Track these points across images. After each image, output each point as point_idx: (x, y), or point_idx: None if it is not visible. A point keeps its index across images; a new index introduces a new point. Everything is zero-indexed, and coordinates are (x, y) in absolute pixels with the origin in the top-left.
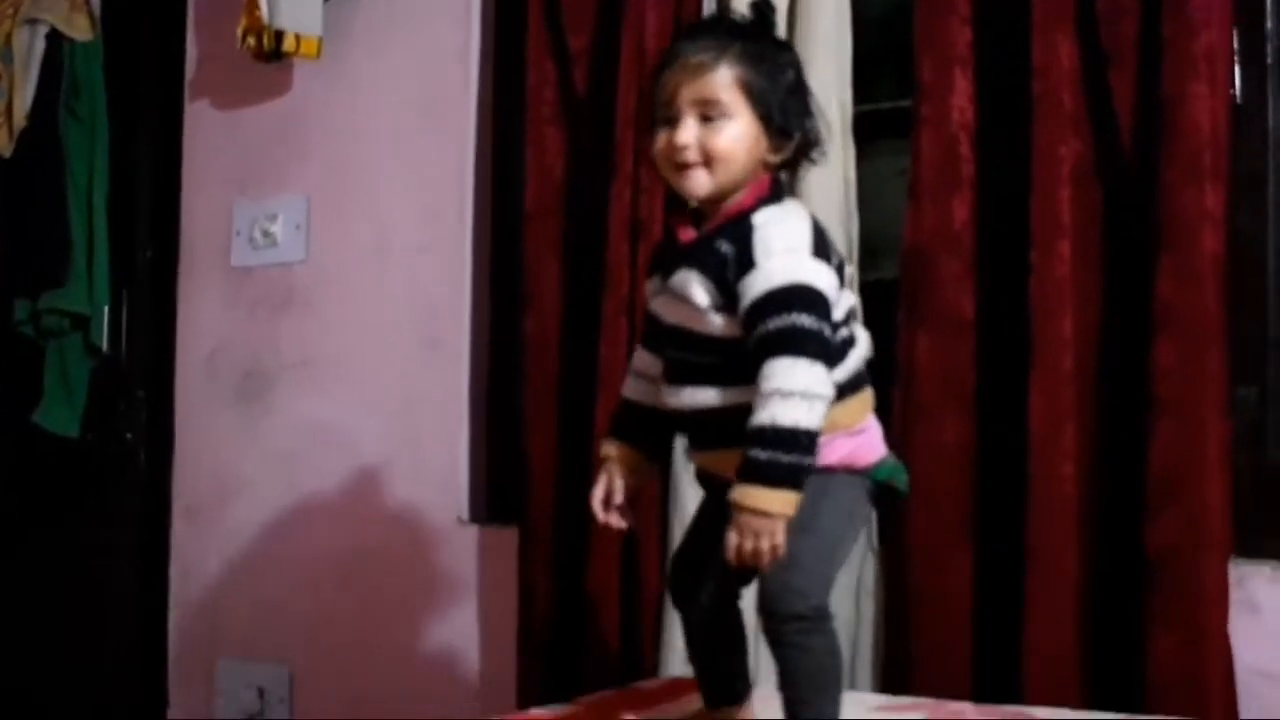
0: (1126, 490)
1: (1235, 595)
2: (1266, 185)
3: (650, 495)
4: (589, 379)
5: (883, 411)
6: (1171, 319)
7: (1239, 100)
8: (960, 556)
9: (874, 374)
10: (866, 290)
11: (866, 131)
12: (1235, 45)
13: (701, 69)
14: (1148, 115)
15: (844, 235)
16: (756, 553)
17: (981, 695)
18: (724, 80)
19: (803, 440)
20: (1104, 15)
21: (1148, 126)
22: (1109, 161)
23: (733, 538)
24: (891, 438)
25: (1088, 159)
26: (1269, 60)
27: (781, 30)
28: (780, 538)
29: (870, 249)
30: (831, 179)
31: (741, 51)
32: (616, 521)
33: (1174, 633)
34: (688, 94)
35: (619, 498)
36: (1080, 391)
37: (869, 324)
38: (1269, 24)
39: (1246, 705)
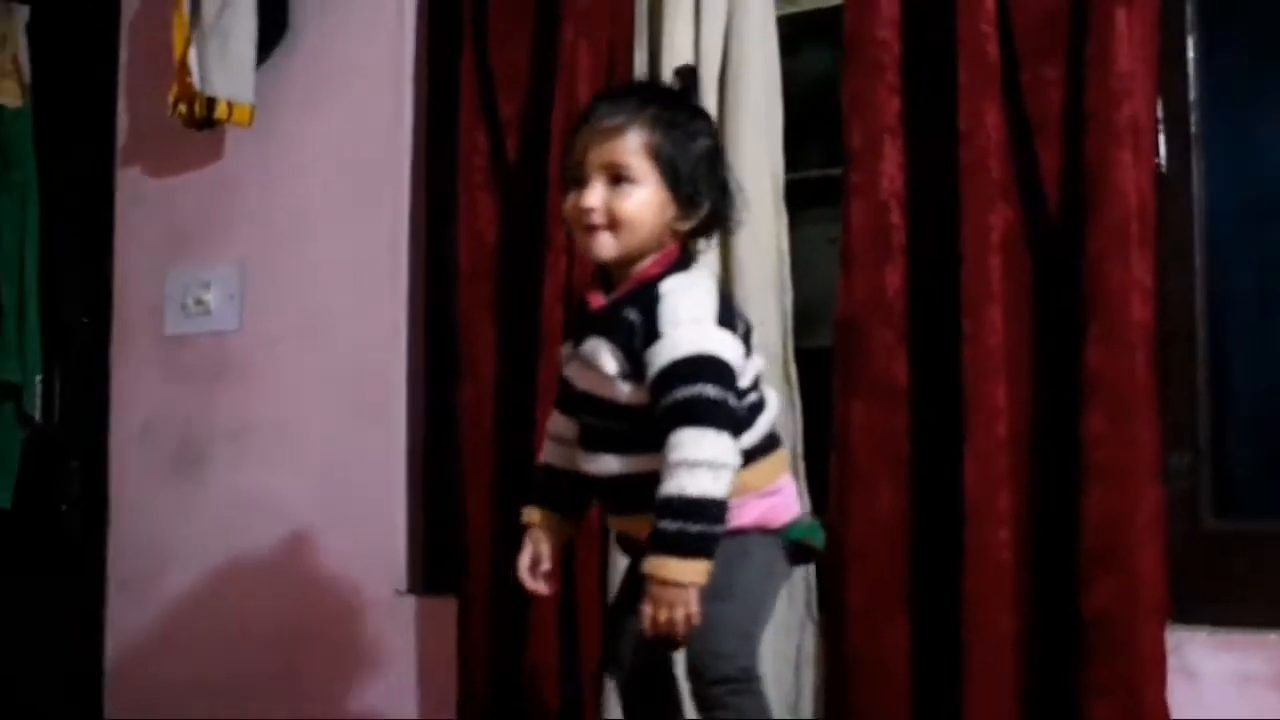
0: (1062, 555)
1: (1173, 662)
2: (1193, 253)
3: (588, 565)
4: (526, 445)
5: (819, 478)
6: (1102, 386)
7: (1164, 170)
8: (897, 622)
9: (807, 450)
10: (801, 358)
11: (798, 200)
12: (1159, 115)
13: (611, 133)
14: (1074, 184)
15: (778, 306)
16: (671, 623)
17: None
18: (632, 145)
19: (711, 510)
20: (1029, 85)
21: (1075, 195)
22: (1038, 229)
23: (648, 609)
24: (828, 504)
25: (1017, 227)
26: (1193, 129)
27: (712, 100)
28: (694, 606)
29: (804, 317)
30: (764, 249)
31: (653, 117)
32: (543, 588)
33: (1112, 699)
34: (596, 157)
35: (546, 564)
36: (1014, 458)
37: (805, 392)
38: (1192, 94)
39: None
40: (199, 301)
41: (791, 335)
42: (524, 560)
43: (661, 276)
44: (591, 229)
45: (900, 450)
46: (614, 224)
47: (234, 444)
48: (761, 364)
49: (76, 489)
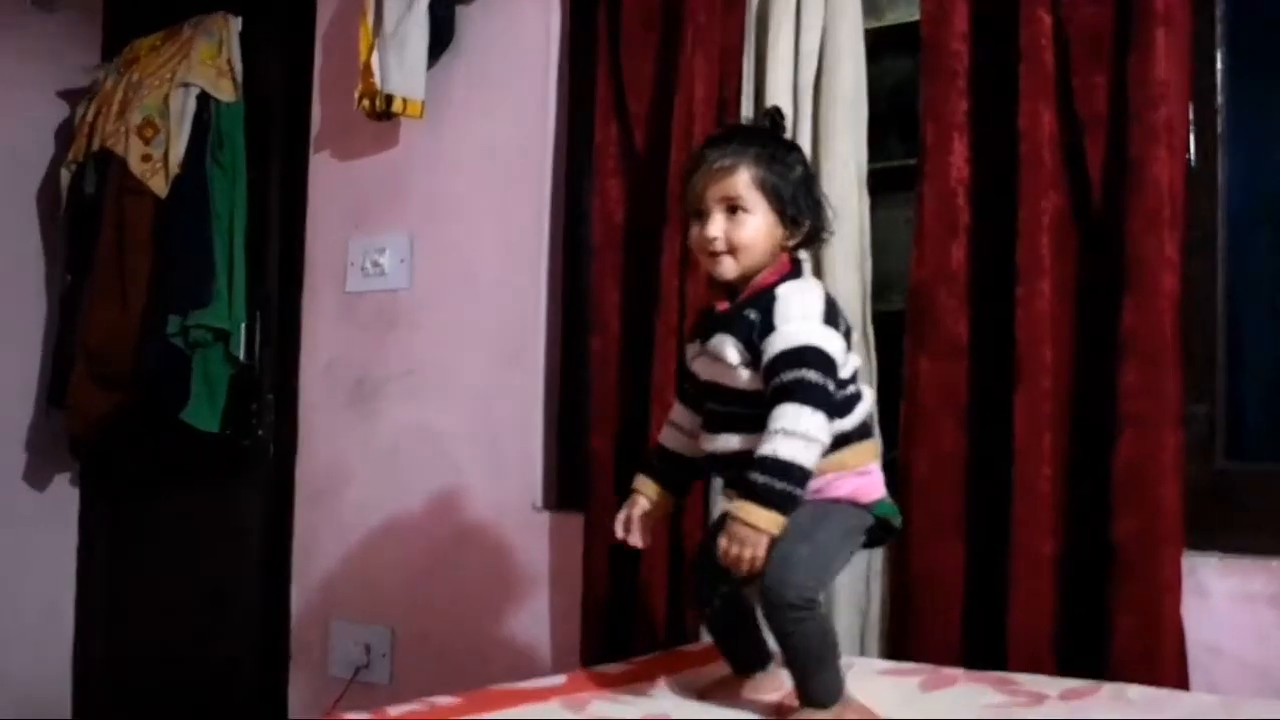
0: (1095, 491)
1: (1187, 582)
2: (1216, 235)
3: (695, 506)
4: (644, 390)
5: (891, 423)
6: (1135, 346)
7: (1194, 164)
8: (954, 546)
9: (883, 399)
10: (878, 320)
11: (878, 186)
12: (1191, 116)
13: (724, 172)
14: (1116, 174)
15: (859, 275)
16: (739, 558)
17: (971, 663)
18: (743, 180)
19: (796, 474)
20: (1079, 90)
21: (1116, 184)
22: (1083, 213)
23: (723, 542)
24: (897, 444)
25: (1065, 211)
26: (1219, 130)
27: (808, 101)
28: (762, 550)
29: (881, 285)
30: (849, 227)
31: (757, 155)
32: (634, 540)
33: (1134, 613)
34: (714, 193)
35: (635, 525)
36: (1057, 407)
37: (880, 348)
38: (1219, 99)
39: (1195, 677)
40: (375, 264)
41: (870, 300)
42: (620, 516)
43: (777, 283)
44: (715, 255)
45: (960, 399)
46: (733, 249)
47: (401, 383)
48: (859, 361)
49: (272, 418)
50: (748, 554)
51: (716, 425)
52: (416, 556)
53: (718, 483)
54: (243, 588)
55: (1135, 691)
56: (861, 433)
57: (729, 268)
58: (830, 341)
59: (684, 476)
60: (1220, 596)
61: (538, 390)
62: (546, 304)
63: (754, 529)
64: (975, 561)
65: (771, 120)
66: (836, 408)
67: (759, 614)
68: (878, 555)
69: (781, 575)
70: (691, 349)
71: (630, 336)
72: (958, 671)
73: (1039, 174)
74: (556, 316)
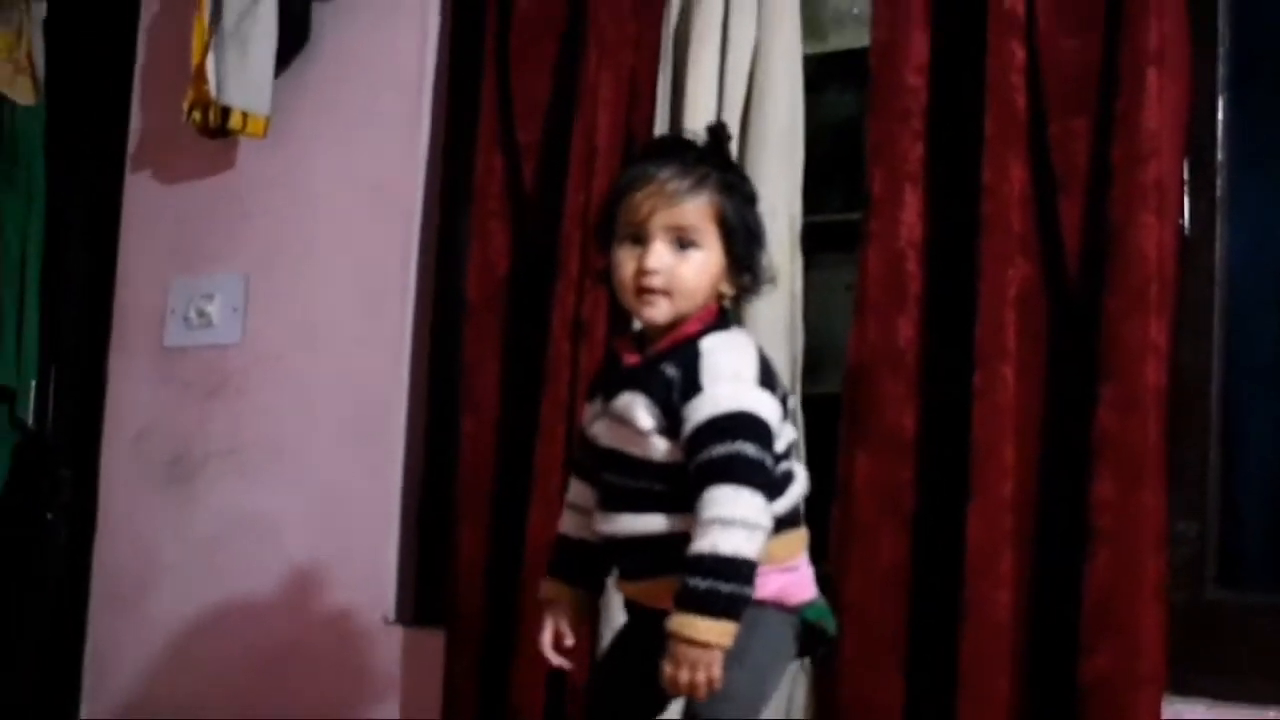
0: (1062, 620)
1: None
2: (1212, 318)
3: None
4: (524, 480)
5: (820, 527)
6: (1112, 450)
7: (1187, 231)
8: (890, 677)
9: (817, 498)
10: (809, 405)
11: (814, 243)
12: (1185, 175)
13: (680, 195)
14: (1095, 241)
15: (789, 351)
16: (693, 684)
17: None
18: (701, 209)
19: (743, 570)
20: (1055, 138)
21: (1095, 253)
22: (1055, 286)
23: (669, 668)
24: (826, 554)
25: (1034, 282)
26: (1218, 192)
27: (734, 140)
28: (717, 670)
29: (814, 362)
30: (779, 293)
31: (719, 182)
32: (567, 664)
33: None
34: (663, 218)
35: (569, 640)
36: (1019, 519)
37: (812, 438)
38: (1220, 155)
39: None
40: (201, 313)
41: (800, 381)
42: (546, 637)
43: (701, 334)
44: (650, 291)
45: (904, 504)
46: (671, 289)
47: (228, 461)
48: (795, 434)
49: (66, 497)
50: (701, 678)
51: (617, 502)
52: (242, 675)
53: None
54: (20, 708)
55: None
56: (791, 520)
57: (662, 310)
58: (766, 407)
59: (600, 568)
60: None
61: (395, 476)
62: (409, 371)
63: (705, 646)
64: (916, 697)
65: (714, 138)
66: (777, 484)
67: None
68: (800, 684)
69: (716, 713)
70: (592, 408)
71: (510, 415)
72: None
73: (1005, 238)
74: (421, 386)
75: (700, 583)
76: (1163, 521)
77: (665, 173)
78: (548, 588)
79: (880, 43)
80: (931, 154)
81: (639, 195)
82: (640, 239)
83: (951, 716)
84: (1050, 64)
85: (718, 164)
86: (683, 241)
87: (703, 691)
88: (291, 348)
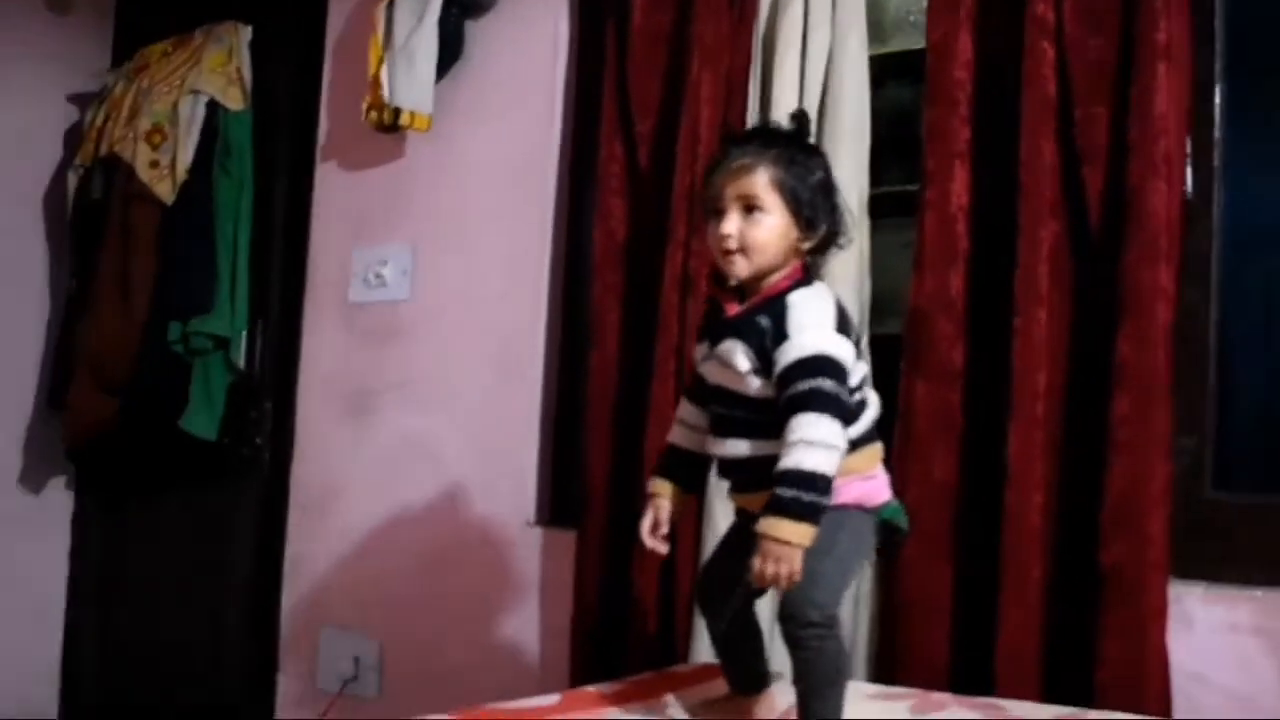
0: (1085, 518)
1: (1173, 610)
2: (1210, 267)
3: (687, 520)
4: (641, 408)
5: (885, 446)
6: (1128, 376)
7: (1191, 195)
8: (943, 569)
9: (881, 422)
10: (875, 343)
11: (879, 211)
12: (1189, 149)
13: (743, 170)
14: (1114, 205)
15: (857, 298)
16: (777, 577)
17: (958, 687)
18: (761, 180)
19: (821, 483)
20: (1080, 121)
21: (1114, 214)
22: (1081, 242)
23: (758, 562)
24: (890, 468)
25: (1063, 240)
26: (1216, 163)
27: (812, 125)
28: (798, 564)
29: (879, 309)
30: (850, 251)
31: (777, 156)
32: (661, 547)
33: (1121, 640)
34: (731, 191)
35: (664, 528)
36: (1050, 434)
37: (877, 372)
38: (1217, 132)
39: (1179, 704)
40: (377, 275)
41: (868, 323)
42: (646, 523)
43: (789, 290)
44: (729, 253)
45: (954, 424)
46: (746, 248)
47: (399, 393)
48: (867, 368)
49: (269, 426)
50: (785, 570)
51: (725, 430)
52: (408, 569)
53: (712, 495)
54: (234, 596)
55: None
56: (868, 438)
57: (741, 267)
58: (842, 349)
59: (700, 474)
60: (1205, 625)
61: (535, 405)
62: (546, 319)
63: (787, 545)
64: (964, 586)
65: (797, 123)
66: (851, 414)
67: (766, 634)
68: (866, 578)
69: (806, 594)
70: (700, 350)
71: (629, 355)
72: (946, 696)
73: (1038, 203)
74: (556, 332)
75: (786, 492)
76: (1169, 435)
77: (734, 154)
78: (654, 484)
79: (934, 44)
80: (976, 136)
81: (715, 175)
82: (719, 211)
83: (994, 600)
84: (1076, 59)
85: (784, 143)
86: (750, 208)
87: (784, 582)
88: (450, 302)
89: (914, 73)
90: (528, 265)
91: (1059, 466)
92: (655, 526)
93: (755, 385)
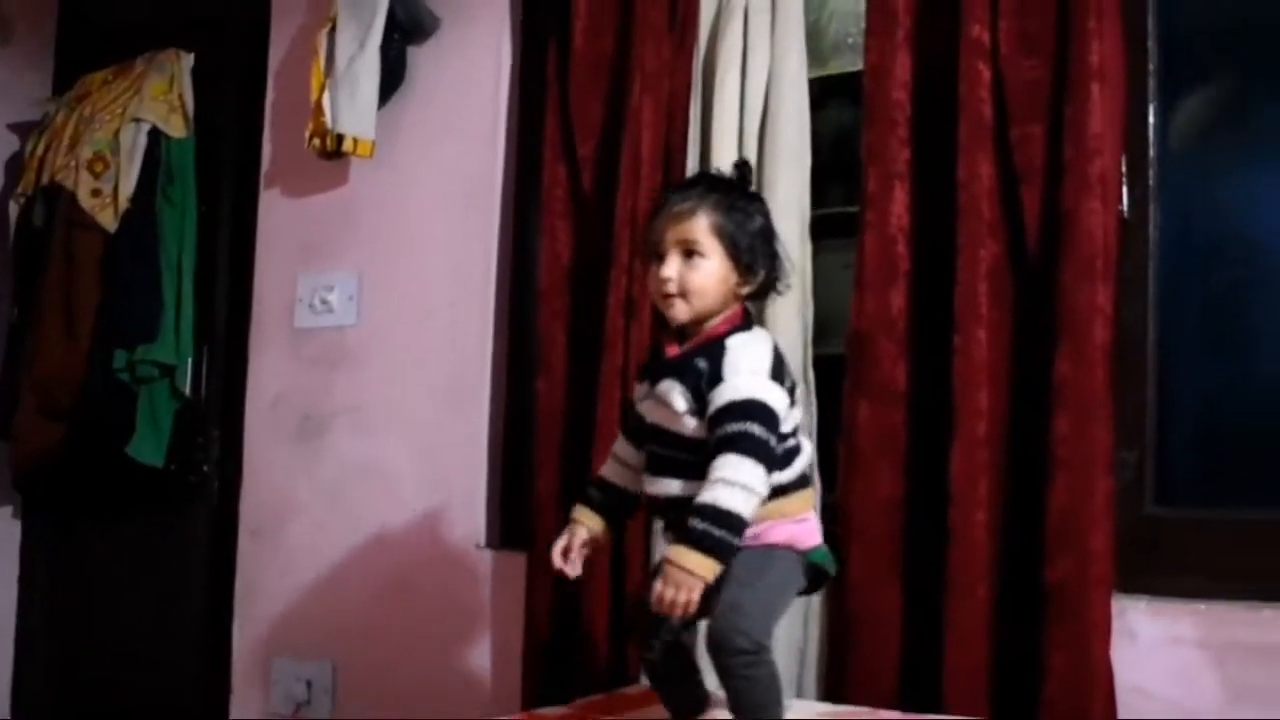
0: (1029, 535)
1: (1117, 625)
2: (1147, 285)
3: (636, 549)
4: (588, 430)
5: (829, 465)
6: (1068, 394)
7: (1126, 215)
8: (891, 588)
9: (825, 442)
10: (818, 364)
11: (820, 232)
12: (1124, 169)
13: (684, 215)
14: (1051, 225)
15: (800, 319)
16: (674, 603)
17: (907, 704)
18: (702, 225)
19: (734, 523)
20: (1017, 141)
21: (1051, 234)
22: (1019, 262)
23: (659, 585)
24: (835, 486)
25: (1002, 259)
26: (1150, 182)
27: (753, 146)
28: (695, 595)
29: (822, 329)
30: (792, 272)
31: (718, 202)
32: (571, 570)
33: (1066, 654)
34: (672, 235)
35: (574, 555)
36: (992, 453)
37: (820, 390)
38: (1152, 152)
39: (1124, 717)
40: (323, 301)
41: (811, 344)
42: (559, 546)
43: (729, 334)
44: (668, 296)
45: (898, 443)
46: (685, 292)
47: (347, 419)
48: (800, 416)
49: (217, 453)
50: (681, 598)
51: (659, 469)
52: (360, 592)
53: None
54: (185, 622)
55: None
56: (800, 483)
57: (681, 310)
58: (775, 396)
59: (623, 510)
60: (1149, 639)
61: (483, 429)
62: (493, 343)
63: (689, 574)
64: (912, 603)
65: (740, 172)
66: (777, 461)
67: (699, 660)
68: (816, 596)
69: (732, 622)
70: (640, 389)
71: (576, 378)
72: (894, 714)
73: (977, 223)
74: (503, 356)
75: (699, 525)
76: (1110, 452)
77: (674, 199)
78: (576, 510)
79: (872, 66)
80: (915, 156)
81: (656, 220)
82: (660, 255)
83: (941, 619)
84: (1011, 81)
85: (725, 189)
86: (690, 253)
87: (678, 610)
88: (398, 327)
89: (853, 94)
90: (474, 289)
91: (1002, 485)
92: (565, 551)
93: (691, 425)
